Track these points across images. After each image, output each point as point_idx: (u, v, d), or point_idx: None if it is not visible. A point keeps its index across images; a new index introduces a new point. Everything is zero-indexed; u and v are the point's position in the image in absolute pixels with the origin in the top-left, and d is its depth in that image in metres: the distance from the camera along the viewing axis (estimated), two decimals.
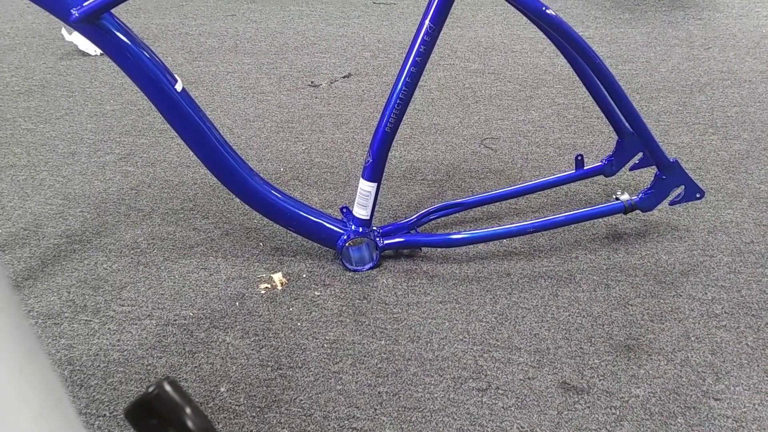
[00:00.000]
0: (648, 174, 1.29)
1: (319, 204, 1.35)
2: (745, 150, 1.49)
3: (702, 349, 0.99)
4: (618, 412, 0.90)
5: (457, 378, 0.95)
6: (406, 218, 1.23)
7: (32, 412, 0.31)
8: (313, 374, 0.97)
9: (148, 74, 0.97)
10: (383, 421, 0.89)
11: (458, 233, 1.16)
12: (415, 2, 2.49)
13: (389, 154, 1.09)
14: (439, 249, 1.20)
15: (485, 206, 1.31)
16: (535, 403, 0.91)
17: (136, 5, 2.52)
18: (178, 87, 1.01)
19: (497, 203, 1.30)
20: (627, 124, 1.16)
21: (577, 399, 0.92)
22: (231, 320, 1.06)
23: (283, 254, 1.21)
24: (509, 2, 0.98)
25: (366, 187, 1.10)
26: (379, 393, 0.93)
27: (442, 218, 1.27)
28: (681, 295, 1.09)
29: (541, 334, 1.02)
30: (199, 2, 2.55)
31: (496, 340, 1.01)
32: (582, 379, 0.95)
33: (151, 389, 0.40)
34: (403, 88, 1.03)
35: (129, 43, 0.95)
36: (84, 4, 0.90)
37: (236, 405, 0.92)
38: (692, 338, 1.01)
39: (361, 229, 1.13)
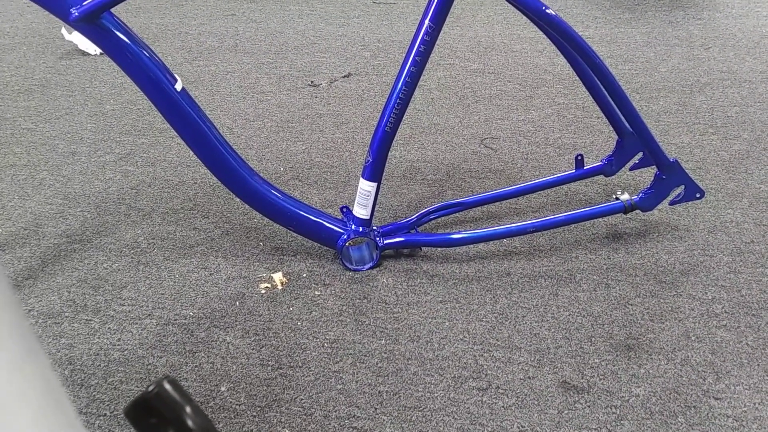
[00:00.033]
0: (648, 174, 1.29)
1: (319, 204, 1.35)
2: (745, 150, 1.49)
3: (702, 348, 0.99)
4: (618, 412, 0.90)
5: (457, 377, 0.95)
6: (406, 218, 1.23)
7: (32, 412, 0.31)
8: (314, 373, 0.97)
9: (147, 74, 0.97)
10: (383, 420, 0.89)
11: (458, 233, 1.16)
12: (415, 2, 2.49)
13: (389, 153, 1.09)
14: (439, 248, 1.20)
15: (485, 206, 1.31)
16: (536, 403, 0.91)
17: (136, 4, 2.52)
18: (178, 86, 1.01)
19: (497, 203, 1.30)
20: (627, 124, 1.16)
21: (577, 398, 0.92)
22: (231, 320, 1.06)
23: (284, 254, 1.21)
24: (509, 2, 0.98)
25: (366, 186, 1.10)
26: (379, 392, 0.93)
27: (442, 218, 1.27)
28: (681, 295, 1.09)
29: (542, 334, 1.02)
30: (198, 2, 2.55)
31: (497, 340, 1.01)
32: (582, 378, 0.95)
33: (151, 388, 0.40)
34: (403, 87, 1.03)
35: (129, 42, 0.95)
36: (84, 4, 0.90)
37: (237, 404, 0.92)
38: (692, 338, 1.01)
39: (361, 229, 1.13)
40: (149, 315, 1.08)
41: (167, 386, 0.41)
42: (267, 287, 1.13)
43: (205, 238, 1.26)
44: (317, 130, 1.63)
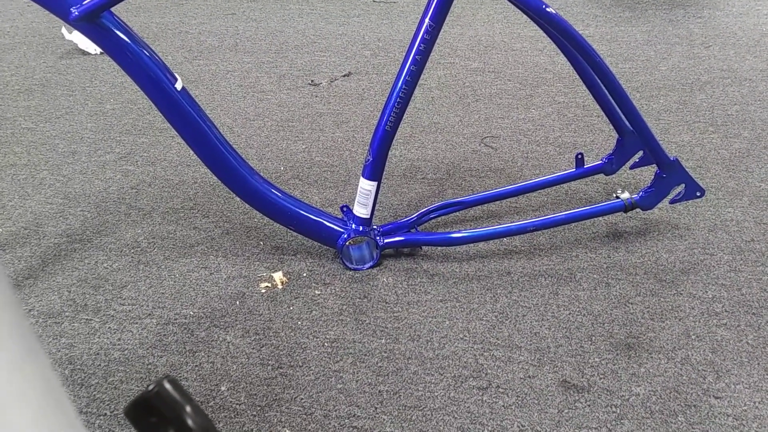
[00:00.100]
0: (648, 172, 1.29)
1: (319, 203, 1.35)
2: (745, 148, 1.49)
3: (702, 347, 0.99)
4: (618, 411, 0.90)
5: (457, 377, 0.95)
6: (406, 217, 1.23)
7: (32, 412, 0.31)
8: (314, 373, 0.97)
9: (148, 73, 0.97)
10: (384, 419, 0.89)
11: (458, 232, 1.16)
12: (415, 0, 2.49)
13: (389, 152, 1.09)
14: (439, 248, 1.20)
15: (485, 205, 1.31)
16: (536, 402, 0.91)
17: (136, 4, 2.52)
18: (178, 86, 1.00)
19: (497, 202, 1.30)
20: (627, 123, 1.16)
21: (577, 397, 0.92)
22: (231, 319, 1.06)
23: (284, 253, 1.21)
24: (509, 0, 0.98)
25: (366, 185, 1.10)
26: (379, 392, 0.93)
27: (443, 217, 1.27)
28: (681, 294, 1.09)
29: (542, 333, 1.02)
30: (199, 1, 2.55)
31: (497, 339, 1.01)
32: (582, 377, 0.95)
33: (151, 388, 0.40)
34: (403, 86, 1.03)
35: (129, 41, 0.95)
36: (84, 3, 0.90)
37: (237, 404, 0.92)
38: (693, 336, 1.01)
39: (361, 228, 1.13)
40: (149, 314, 1.08)
41: (167, 386, 0.41)
42: (267, 286, 1.13)
43: (206, 237, 1.26)
44: (317, 129, 1.63)
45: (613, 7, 2.38)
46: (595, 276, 1.13)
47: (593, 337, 1.01)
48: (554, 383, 0.94)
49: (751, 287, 1.10)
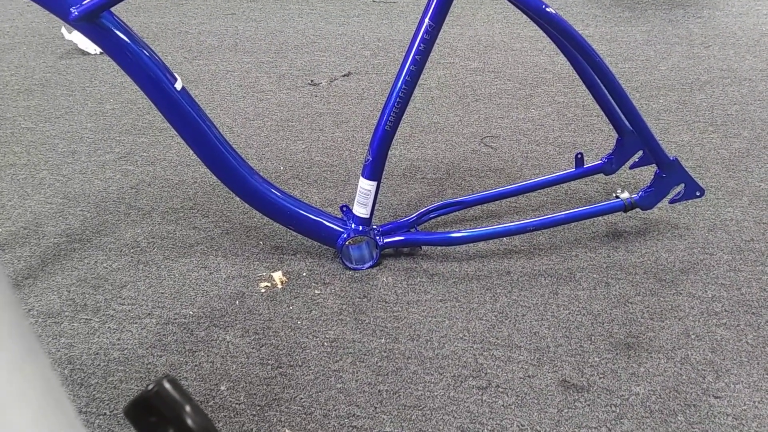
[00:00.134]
0: (648, 172, 1.29)
1: (319, 202, 1.35)
2: (745, 148, 1.49)
3: (702, 347, 0.99)
4: (618, 410, 0.90)
5: (457, 376, 0.95)
6: (405, 217, 1.23)
7: (32, 411, 0.31)
8: (314, 373, 0.97)
9: (147, 73, 0.97)
10: (383, 419, 0.89)
11: (458, 232, 1.16)
12: (414, 0, 2.49)
13: (389, 152, 1.09)
14: (439, 247, 1.20)
15: (485, 205, 1.31)
16: (535, 401, 0.91)
17: (136, 4, 2.52)
18: (178, 86, 1.01)
19: (497, 202, 1.30)
20: (627, 123, 1.16)
21: (577, 397, 0.92)
22: (231, 319, 1.06)
23: (283, 253, 1.21)
24: (509, 0, 0.98)
25: (366, 185, 1.10)
26: (379, 391, 0.93)
27: (442, 217, 1.27)
28: (681, 293, 1.09)
29: (541, 333, 1.02)
30: (198, 1, 2.55)
31: (496, 339, 1.01)
32: (582, 377, 0.95)
33: (150, 387, 0.40)
34: (403, 86, 1.03)
35: (128, 41, 0.95)
36: (83, 3, 0.90)
37: (236, 403, 0.92)
38: (692, 336, 1.01)
39: (361, 228, 1.13)
40: (149, 314, 1.08)
41: (167, 385, 0.41)
42: (267, 286, 1.13)
43: (205, 237, 1.26)
44: (317, 129, 1.63)
45: (613, 7, 2.38)
46: (594, 276, 1.13)
47: (593, 337, 1.01)
48: (554, 383, 0.94)
49: (751, 287, 1.10)
